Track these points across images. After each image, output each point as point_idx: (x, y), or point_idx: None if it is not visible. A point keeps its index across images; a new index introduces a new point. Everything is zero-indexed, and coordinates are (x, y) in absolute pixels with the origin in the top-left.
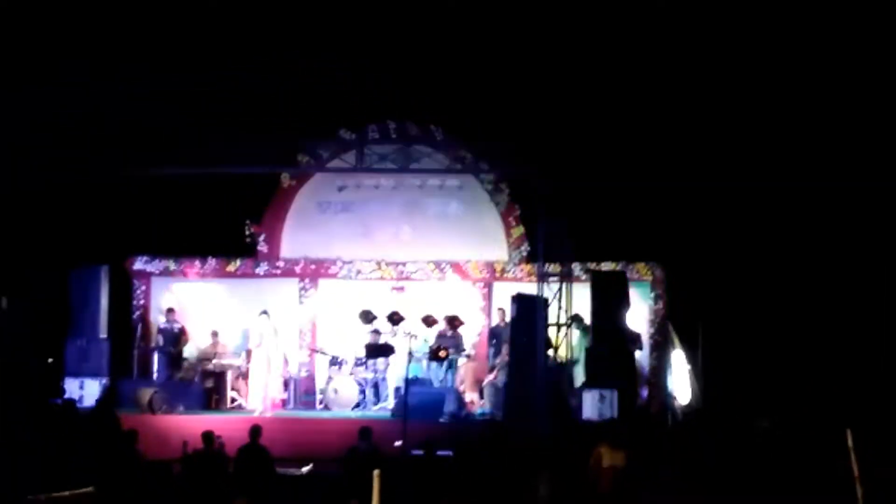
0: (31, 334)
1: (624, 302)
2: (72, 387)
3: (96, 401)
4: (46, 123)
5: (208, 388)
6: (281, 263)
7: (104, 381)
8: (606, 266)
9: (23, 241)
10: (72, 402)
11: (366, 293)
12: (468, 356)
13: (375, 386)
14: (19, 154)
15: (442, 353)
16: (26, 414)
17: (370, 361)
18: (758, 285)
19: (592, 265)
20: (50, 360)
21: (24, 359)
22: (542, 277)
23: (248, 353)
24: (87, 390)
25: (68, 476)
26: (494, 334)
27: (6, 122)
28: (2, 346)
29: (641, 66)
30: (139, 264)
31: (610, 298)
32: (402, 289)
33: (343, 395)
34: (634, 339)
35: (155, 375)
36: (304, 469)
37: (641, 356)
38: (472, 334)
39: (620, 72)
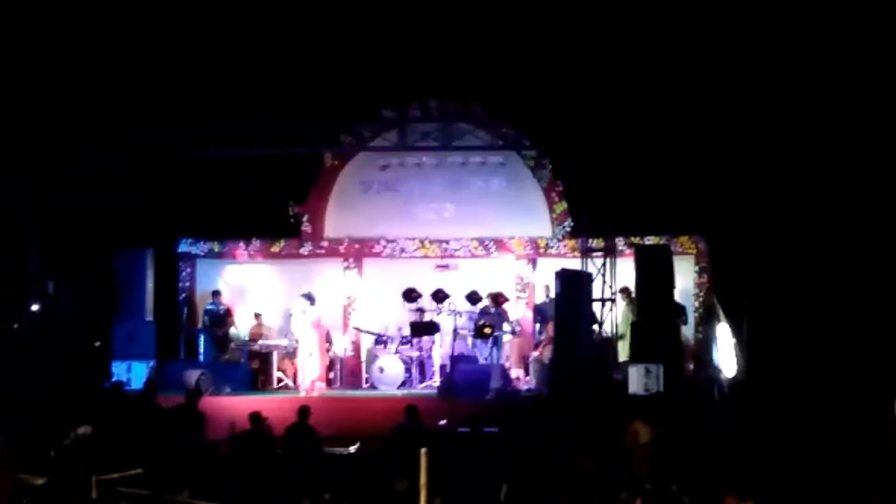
0: (79, 318)
1: (668, 276)
2: (119, 370)
3: (143, 383)
4: (89, 106)
5: (254, 368)
6: (325, 243)
7: (151, 363)
8: (650, 240)
9: (69, 226)
10: (119, 384)
11: (410, 271)
12: (513, 332)
13: (421, 364)
14: (62, 138)
15: (487, 330)
16: (75, 397)
17: (415, 339)
18: (802, 257)
19: (636, 239)
20: (97, 343)
21: (72, 342)
22: (586, 253)
23: (294, 333)
24: (134, 373)
25: (117, 458)
26: (539, 310)
27: (45, 105)
28: (50, 331)
29: (683, 35)
30: (184, 247)
31: (654, 272)
32: (446, 266)
33: (389, 374)
34: (679, 313)
35: (201, 357)
36: (352, 448)
37: (686, 330)
38: (517, 311)
39: (661, 43)
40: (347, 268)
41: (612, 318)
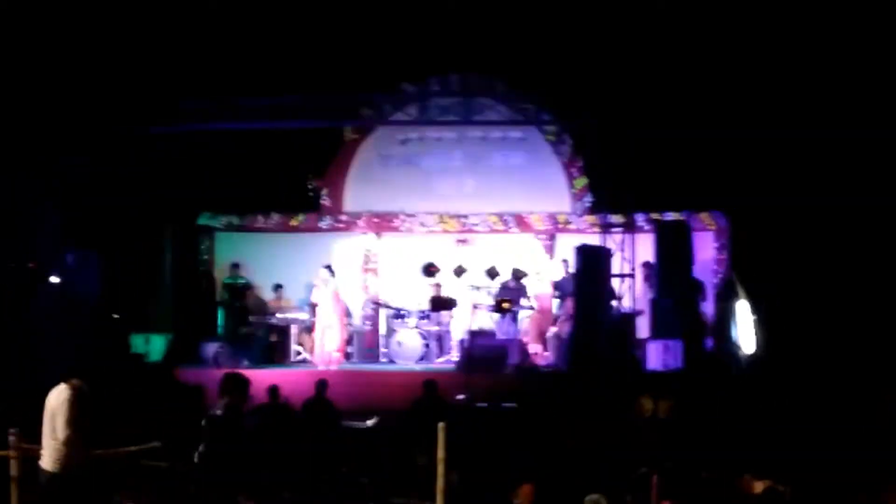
0: (98, 290)
1: (688, 252)
2: (137, 342)
3: (163, 355)
4: (110, 78)
5: (273, 342)
6: (344, 217)
7: (169, 336)
8: (670, 216)
9: (88, 200)
10: (138, 356)
11: (429, 246)
12: (532, 308)
13: (439, 338)
14: (82, 112)
15: (506, 305)
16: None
17: (434, 314)
18: (823, 233)
19: (656, 215)
20: (116, 315)
21: (91, 315)
22: (606, 228)
23: (313, 306)
24: (152, 346)
25: (135, 430)
26: (558, 286)
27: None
28: (69, 302)
29: (706, 9)
30: (203, 220)
31: (674, 248)
32: (465, 241)
33: (407, 348)
34: (698, 290)
35: (220, 330)
36: (370, 422)
37: (706, 306)
38: (536, 286)
39: (683, 18)
40: (366, 242)
41: (632, 294)
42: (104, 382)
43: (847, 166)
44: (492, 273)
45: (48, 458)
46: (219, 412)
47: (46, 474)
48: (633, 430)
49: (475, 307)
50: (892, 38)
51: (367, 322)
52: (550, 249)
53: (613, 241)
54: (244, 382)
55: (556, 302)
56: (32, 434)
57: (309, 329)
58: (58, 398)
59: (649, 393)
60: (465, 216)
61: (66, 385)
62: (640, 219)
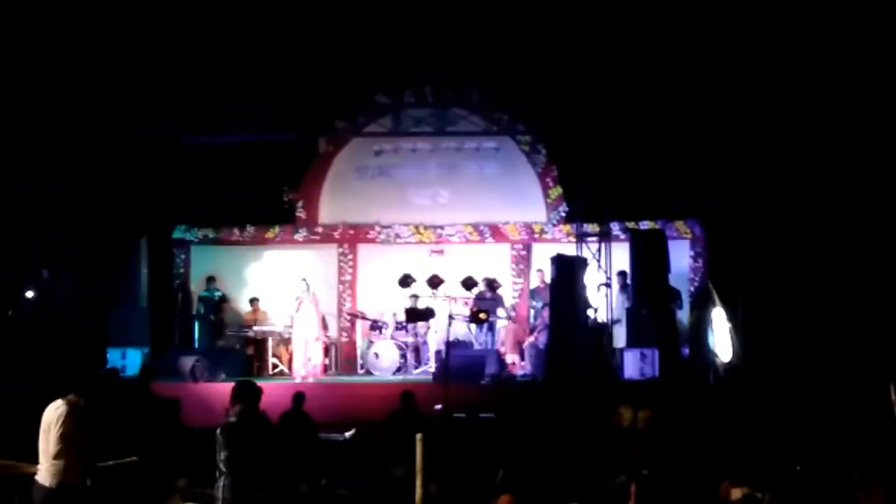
0: (73, 305)
1: (663, 260)
2: (114, 356)
3: (139, 369)
4: (82, 95)
5: (250, 354)
6: (319, 229)
7: (146, 350)
8: (645, 224)
9: (63, 214)
10: (114, 370)
11: (405, 257)
12: (508, 318)
13: (416, 349)
14: (56, 127)
15: (482, 316)
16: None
17: (411, 325)
18: (798, 240)
19: (631, 224)
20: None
21: (67, 329)
22: (581, 237)
23: (290, 319)
24: (129, 360)
25: (112, 445)
26: (534, 295)
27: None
28: (44, 317)
29: (676, 18)
30: (178, 233)
31: (650, 257)
32: (440, 252)
33: (384, 360)
34: (674, 298)
35: (196, 343)
36: (347, 434)
37: (682, 314)
38: (512, 296)
39: (654, 26)
40: (342, 254)
41: (608, 303)
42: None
43: (823, 172)
44: (467, 284)
45: (44, 473)
46: (233, 419)
47: (42, 489)
48: (610, 439)
49: (451, 318)
50: (856, 49)
51: (344, 334)
52: (526, 259)
53: (589, 251)
54: (257, 390)
55: (532, 311)
56: (7, 448)
57: (286, 342)
58: (53, 413)
59: (629, 402)
60: (441, 227)
61: (63, 401)
62: (615, 228)
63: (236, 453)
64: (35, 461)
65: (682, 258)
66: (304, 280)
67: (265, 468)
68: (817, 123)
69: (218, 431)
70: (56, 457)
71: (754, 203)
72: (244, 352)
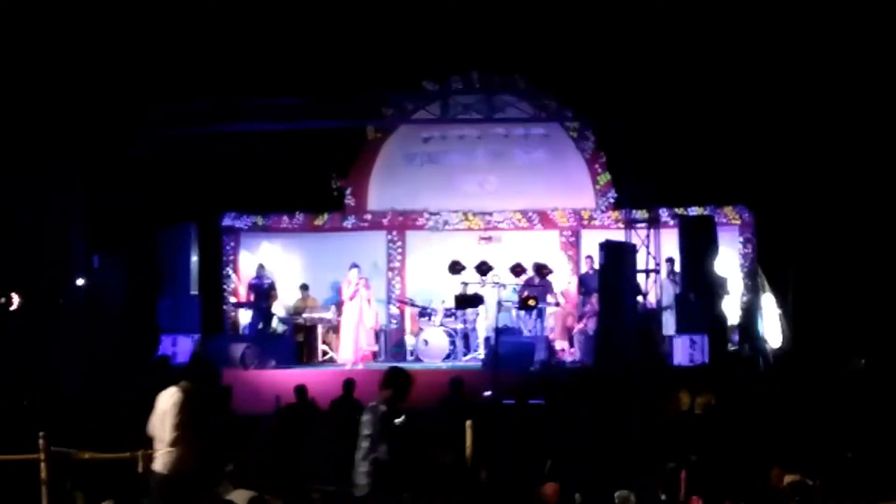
0: (125, 292)
1: (712, 247)
2: (164, 344)
3: (191, 355)
4: (133, 77)
5: (299, 342)
6: (368, 216)
7: (196, 337)
8: (694, 210)
9: (115, 201)
10: (165, 357)
11: (453, 244)
12: (557, 304)
13: (465, 336)
14: (107, 114)
15: (531, 302)
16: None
17: (459, 312)
18: (847, 226)
19: (680, 210)
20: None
21: (118, 316)
22: (630, 224)
23: (339, 306)
24: (179, 347)
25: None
26: (583, 282)
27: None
28: (96, 303)
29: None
30: (228, 220)
31: (698, 243)
32: (489, 239)
33: (433, 346)
34: (723, 284)
35: (246, 331)
36: (397, 421)
37: (731, 301)
38: (561, 282)
39: (705, 10)
40: (391, 240)
41: (657, 289)
42: (132, 385)
43: (872, 162)
44: (516, 270)
45: (159, 461)
46: (381, 405)
47: (158, 476)
48: (661, 426)
49: (500, 304)
50: None
51: (394, 321)
52: (575, 246)
53: (638, 237)
54: (407, 377)
55: (581, 298)
56: (60, 436)
57: (335, 328)
58: (167, 401)
59: (687, 388)
60: (489, 213)
61: (177, 388)
62: (664, 214)
63: (381, 437)
64: (85, 447)
65: (731, 244)
66: (356, 266)
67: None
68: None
69: (365, 415)
70: (172, 444)
71: (803, 189)
72: (294, 339)
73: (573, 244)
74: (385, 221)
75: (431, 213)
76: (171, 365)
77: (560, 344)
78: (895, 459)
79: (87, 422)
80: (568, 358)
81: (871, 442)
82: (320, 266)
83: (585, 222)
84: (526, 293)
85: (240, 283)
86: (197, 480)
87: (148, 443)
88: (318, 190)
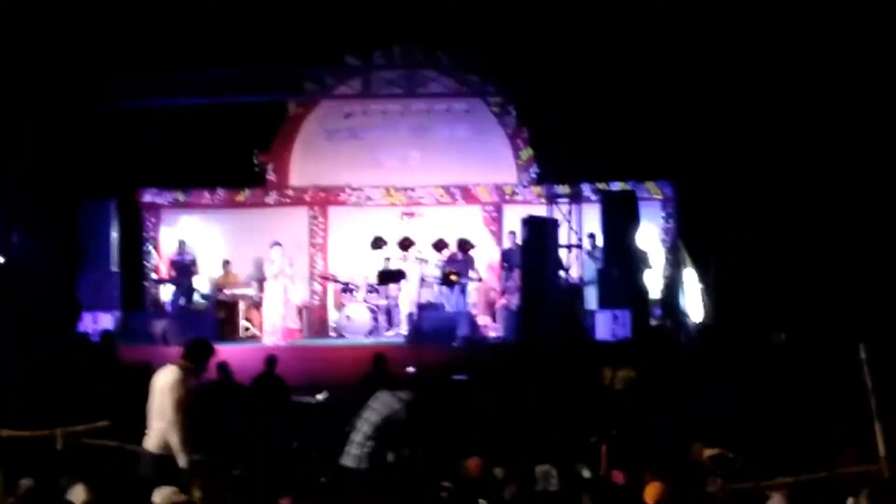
0: (45, 269)
1: (634, 222)
2: (85, 321)
3: (100, 333)
4: (51, 52)
5: (221, 318)
6: (290, 192)
7: (116, 314)
8: (616, 186)
9: (33, 178)
10: (84, 335)
11: (376, 219)
12: (480, 279)
13: (388, 312)
14: (22, 85)
15: (453, 278)
16: (42, 347)
17: (382, 287)
18: (768, 201)
19: (602, 185)
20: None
21: (39, 292)
22: (552, 199)
23: (261, 282)
24: (100, 324)
25: (82, 409)
26: (506, 257)
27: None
28: (16, 281)
29: None
30: (148, 197)
31: (620, 218)
32: (412, 214)
33: (356, 322)
34: (645, 259)
35: (167, 307)
36: (319, 396)
37: (653, 275)
38: (483, 258)
39: None
40: (313, 216)
41: (579, 264)
42: (51, 362)
43: (791, 129)
44: (439, 245)
45: (153, 440)
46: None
47: (150, 455)
48: (582, 401)
49: (423, 280)
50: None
51: (316, 297)
52: (497, 221)
53: (560, 212)
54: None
55: (503, 273)
56: None
57: (257, 305)
58: (165, 379)
59: (609, 363)
60: (412, 189)
61: (175, 366)
62: (586, 189)
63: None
64: (4, 425)
65: (653, 219)
66: (278, 245)
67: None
68: (787, 81)
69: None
70: (172, 425)
71: (724, 163)
72: (216, 315)
73: (496, 219)
74: (307, 197)
75: (354, 189)
76: (91, 342)
77: (483, 319)
78: (817, 432)
79: (6, 399)
80: (491, 333)
81: (793, 415)
82: (242, 242)
83: (508, 197)
84: (448, 269)
85: (161, 259)
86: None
87: (66, 420)
88: (239, 166)
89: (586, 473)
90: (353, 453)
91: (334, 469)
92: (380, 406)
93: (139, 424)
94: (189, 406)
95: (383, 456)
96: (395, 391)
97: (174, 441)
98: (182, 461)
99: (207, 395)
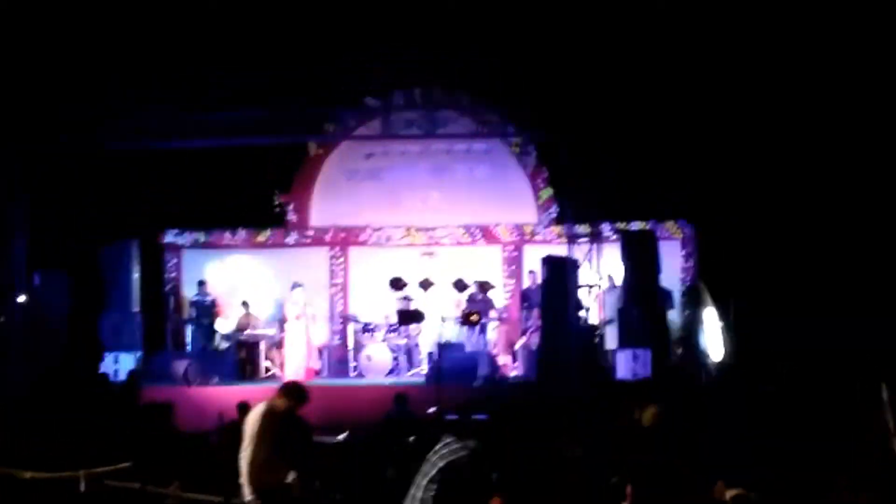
0: (66, 309)
1: (654, 261)
2: (107, 361)
3: (127, 374)
4: (73, 90)
5: (241, 358)
6: (311, 232)
7: (138, 354)
8: (636, 225)
9: (55, 218)
10: (104, 376)
11: (396, 259)
12: (500, 319)
13: (408, 352)
14: (42, 125)
15: (473, 318)
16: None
17: (402, 327)
18: (788, 240)
19: (622, 225)
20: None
21: (61, 333)
22: (572, 239)
23: (282, 322)
24: (121, 364)
25: (105, 451)
26: (526, 297)
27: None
28: (38, 321)
29: (667, 21)
30: (170, 237)
31: (640, 258)
32: (432, 254)
33: (376, 362)
34: (666, 298)
35: (188, 347)
36: (340, 437)
37: (673, 315)
38: (504, 298)
39: (645, 29)
40: (333, 257)
41: (599, 304)
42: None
43: (811, 171)
44: (459, 285)
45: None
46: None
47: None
48: (605, 440)
49: (443, 320)
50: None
51: (336, 337)
52: (517, 261)
53: (580, 252)
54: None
55: (524, 313)
56: (2, 455)
57: (278, 345)
58: (253, 416)
59: (632, 401)
60: (432, 228)
61: (266, 403)
62: (606, 229)
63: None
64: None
65: (673, 258)
66: (298, 285)
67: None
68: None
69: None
70: (250, 463)
71: (744, 202)
72: (236, 355)
73: (516, 259)
74: (327, 237)
75: (374, 229)
76: (111, 383)
77: (503, 359)
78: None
79: (29, 441)
80: (511, 373)
81: (813, 457)
82: (262, 282)
83: (528, 237)
84: (468, 308)
85: (182, 300)
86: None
87: (90, 462)
88: (260, 206)
89: None
90: (418, 496)
91: None
92: (446, 451)
93: (162, 465)
94: (261, 441)
95: (445, 498)
96: (464, 438)
97: (241, 471)
98: (245, 494)
99: (227, 435)
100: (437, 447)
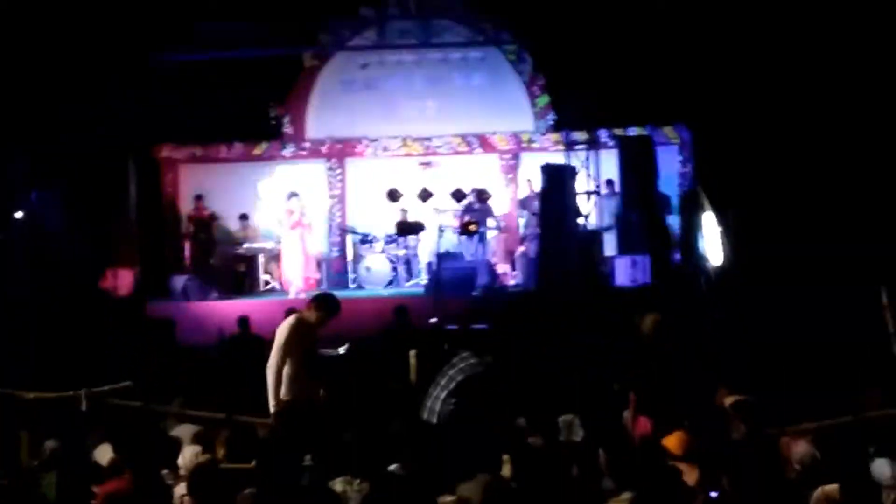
0: (63, 226)
1: (652, 166)
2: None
3: (130, 290)
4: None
5: (240, 272)
6: (307, 144)
7: (136, 270)
8: (633, 131)
9: (51, 134)
10: (106, 291)
11: (393, 170)
12: (498, 228)
13: (407, 262)
14: (36, 41)
15: (472, 227)
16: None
17: (401, 238)
18: (787, 143)
19: (619, 131)
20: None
21: (60, 250)
22: (569, 146)
23: (280, 235)
24: (119, 280)
25: (106, 369)
26: (524, 205)
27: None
28: (37, 238)
29: None
30: (166, 152)
31: (638, 164)
32: (429, 164)
33: (375, 273)
34: (664, 204)
35: (187, 262)
36: (341, 349)
37: (672, 220)
38: (502, 206)
39: None
40: (330, 168)
41: (598, 210)
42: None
43: (809, 72)
44: (457, 195)
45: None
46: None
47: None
48: (605, 348)
49: (441, 230)
50: None
51: (335, 249)
52: (514, 169)
53: (578, 159)
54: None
55: (522, 221)
56: (3, 376)
57: (276, 257)
58: (283, 326)
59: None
60: (429, 138)
61: (296, 314)
62: (603, 135)
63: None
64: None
65: (670, 164)
66: (295, 194)
67: None
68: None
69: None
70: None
71: (741, 105)
72: (235, 269)
73: (513, 167)
74: (324, 149)
75: (371, 140)
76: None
77: (502, 268)
78: (841, 374)
79: (30, 361)
80: (510, 281)
81: (816, 356)
82: (260, 195)
83: (525, 145)
84: (467, 218)
85: (179, 214)
86: (307, 414)
87: (92, 381)
88: (255, 119)
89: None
90: (436, 410)
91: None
92: (465, 366)
93: (163, 382)
94: (291, 352)
95: (465, 412)
96: (481, 352)
97: (268, 382)
98: (271, 404)
99: (228, 350)
100: (454, 360)
